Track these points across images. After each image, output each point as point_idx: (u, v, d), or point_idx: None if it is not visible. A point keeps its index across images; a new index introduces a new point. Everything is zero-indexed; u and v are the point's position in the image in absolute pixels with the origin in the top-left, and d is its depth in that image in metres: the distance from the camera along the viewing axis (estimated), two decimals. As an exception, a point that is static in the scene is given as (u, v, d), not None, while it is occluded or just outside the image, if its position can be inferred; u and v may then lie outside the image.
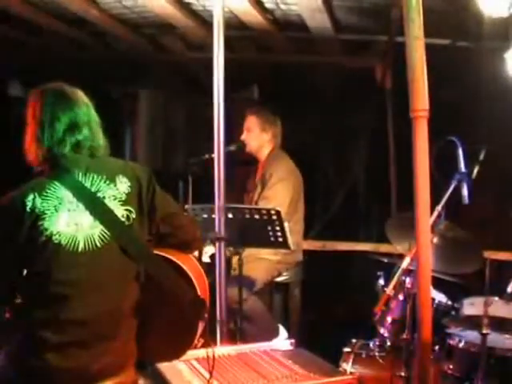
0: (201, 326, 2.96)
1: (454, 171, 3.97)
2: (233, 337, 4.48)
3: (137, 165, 3.13)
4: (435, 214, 3.88)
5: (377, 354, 4.35)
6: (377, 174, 6.94)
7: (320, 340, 4.38)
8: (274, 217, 4.46)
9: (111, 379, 2.83)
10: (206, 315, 2.94)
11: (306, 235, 6.38)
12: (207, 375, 3.00)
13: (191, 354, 3.31)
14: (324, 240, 6.69)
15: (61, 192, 2.84)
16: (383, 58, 6.42)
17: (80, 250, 2.80)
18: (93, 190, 2.88)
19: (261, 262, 5.31)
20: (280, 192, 5.35)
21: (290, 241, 4.55)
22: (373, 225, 7.07)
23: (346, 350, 4.47)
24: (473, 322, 3.97)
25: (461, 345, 4.14)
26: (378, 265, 4.83)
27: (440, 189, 3.93)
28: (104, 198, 2.89)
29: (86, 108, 3.00)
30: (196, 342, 3.01)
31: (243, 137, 5.57)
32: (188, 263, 3.05)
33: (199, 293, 2.96)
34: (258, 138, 5.58)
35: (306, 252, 5.81)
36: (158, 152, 7.16)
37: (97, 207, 2.87)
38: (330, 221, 7.18)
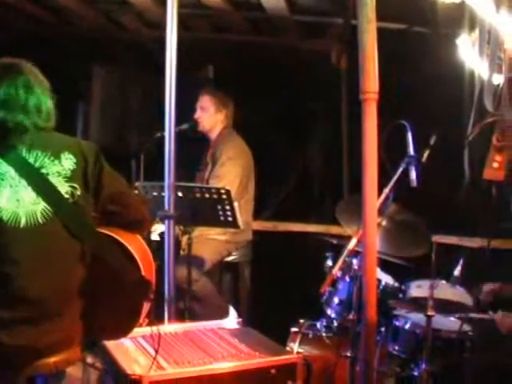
0: (146, 307, 2.94)
1: (404, 154, 4.00)
2: (182, 316, 4.49)
3: (84, 141, 3.07)
4: (383, 196, 3.91)
5: (324, 334, 4.40)
6: (331, 155, 6.96)
7: (269, 320, 4.40)
8: (224, 196, 4.46)
9: (58, 355, 2.81)
10: (152, 296, 2.93)
11: (259, 216, 6.41)
12: (153, 353, 3.01)
13: (138, 331, 3.32)
14: (276, 221, 6.71)
15: (3, 168, 2.80)
16: (339, 41, 6.43)
17: (22, 226, 2.76)
18: (36, 165, 2.84)
19: (210, 242, 5.32)
20: (230, 171, 5.37)
21: (240, 220, 4.57)
22: (326, 206, 7.09)
23: (294, 330, 4.50)
24: (418, 304, 4.02)
25: (406, 326, 4.19)
26: (328, 246, 4.86)
27: (389, 172, 3.96)
28: (48, 174, 2.84)
29: (32, 83, 2.95)
30: (141, 321, 3.00)
31: (197, 115, 5.56)
32: (134, 243, 3.01)
33: (144, 273, 2.94)
34: (212, 117, 5.58)
35: (257, 232, 5.84)
36: (112, 130, 7.11)
37: (39, 183, 2.83)
38: (284, 202, 7.20)
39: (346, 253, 3.92)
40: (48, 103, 2.99)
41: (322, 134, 7.18)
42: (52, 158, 2.87)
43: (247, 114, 6.13)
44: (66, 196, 2.85)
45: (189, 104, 5.55)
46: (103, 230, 2.98)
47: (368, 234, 2.92)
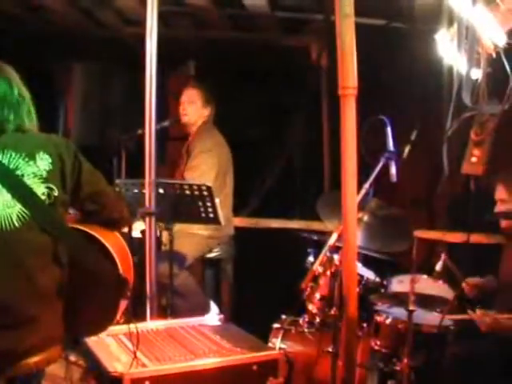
0: (123, 304, 2.93)
1: (383, 150, 4.02)
2: (163, 312, 4.49)
3: (60, 139, 3.01)
4: (363, 191, 3.92)
5: (306, 330, 4.41)
6: (313, 151, 6.97)
7: (251, 316, 4.40)
8: (205, 192, 4.46)
9: (39, 356, 2.80)
10: (129, 293, 2.92)
11: (241, 213, 6.42)
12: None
13: (120, 329, 3.32)
14: (258, 217, 6.72)
15: None
16: (319, 37, 6.44)
17: None
18: (11, 167, 2.79)
19: (191, 238, 5.32)
20: (205, 161, 5.38)
21: (221, 216, 4.57)
22: (307, 202, 7.11)
23: (276, 326, 4.51)
24: (399, 299, 4.03)
25: (388, 321, 4.20)
26: (309, 242, 4.87)
27: (369, 167, 3.98)
28: (23, 175, 2.79)
29: (7, 83, 2.92)
30: (119, 318, 3.00)
31: (182, 108, 5.56)
32: (112, 241, 3.00)
33: (122, 271, 2.92)
34: (199, 111, 5.60)
35: (239, 229, 5.84)
36: (93, 127, 7.08)
37: (14, 185, 2.78)
38: (266, 198, 7.20)
39: (326, 248, 3.94)
40: (26, 103, 2.98)
41: (303, 130, 7.19)
42: (26, 159, 2.82)
43: (228, 109, 6.13)
44: (43, 197, 2.81)
45: (170, 100, 5.57)
46: (81, 227, 2.97)
47: (348, 228, 2.93)
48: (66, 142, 3.01)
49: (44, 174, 2.83)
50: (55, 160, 2.88)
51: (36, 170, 2.82)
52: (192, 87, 5.66)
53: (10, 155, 2.81)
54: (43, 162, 2.85)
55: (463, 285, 4.25)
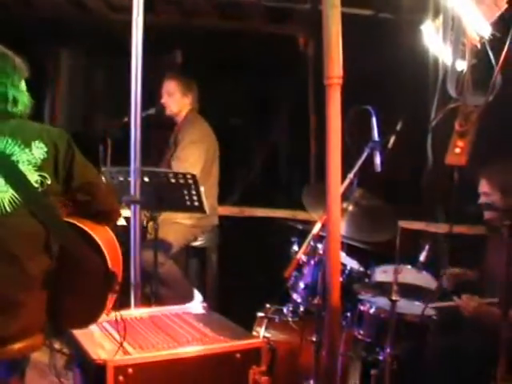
0: (111, 298, 2.94)
1: (368, 140, 4.03)
2: (148, 301, 4.49)
3: (56, 129, 3.06)
4: (347, 181, 3.93)
5: (290, 319, 4.41)
6: (299, 140, 6.98)
7: (236, 305, 4.42)
8: (190, 181, 4.46)
9: (22, 342, 2.82)
10: (117, 288, 2.93)
11: (226, 201, 6.42)
12: (118, 338, 3.01)
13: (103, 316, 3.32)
14: (243, 206, 6.72)
15: None
16: (306, 26, 6.44)
17: None
18: (6, 153, 2.83)
19: (176, 226, 5.32)
20: (193, 153, 5.38)
21: (206, 205, 4.57)
22: (293, 192, 7.12)
23: (260, 314, 4.52)
24: (383, 289, 4.05)
25: (371, 311, 4.21)
26: (294, 231, 4.87)
27: (354, 157, 3.99)
28: (18, 162, 2.84)
29: (11, 66, 2.96)
30: (107, 312, 3.00)
31: (163, 100, 5.55)
32: (102, 235, 3.01)
33: (111, 265, 2.93)
34: (179, 102, 5.59)
35: (223, 217, 5.84)
36: (79, 114, 7.07)
37: (8, 170, 2.83)
38: (250, 187, 7.21)
39: (310, 237, 3.94)
40: (20, 89, 2.99)
41: (290, 119, 7.20)
42: (22, 147, 2.87)
43: (215, 98, 6.13)
44: (36, 185, 2.85)
45: (157, 89, 5.56)
46: (71, 220, 2.98)
47: (332, 218, 2.93)
48: (60, 132, 3.04)
49: (39, 162, 2.87)
50: (50, 149, 2.91)
51: (31, 158, 2.86)
52: (170, 78, 5.65)
53: (7, 141, 2.86)
54: (38, 151, 2.89)
55: (442, 276, 4.26)
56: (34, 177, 2.85)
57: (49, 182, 2.88)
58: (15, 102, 2.95)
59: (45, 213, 2.87)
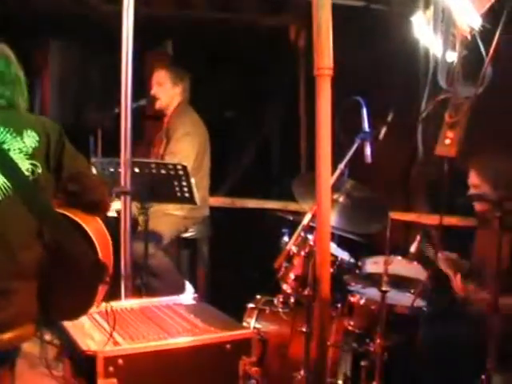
0: (102, 290, 2.94)
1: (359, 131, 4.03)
2: (138, 292, 4.49)
3: (48, 120, 3.08)
4: (337, 172, 3.93)
5: (280, 310, 4.41)
6: (290, 131, 6.97)
7: (227, 296, 4.42)
8: (181, 172, 4.46)
9: (12, 332, 2.82)
10: (108, 279, 2.93)
11: (217, 192, 6.42)
12: (109, 329, 3.01)
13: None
14: (234, 197, 6.72)
15: None
16: (298, 18, 6.43)
17: None
18: None
19: (167, 217, 5.33)
20: (186, 146, 5.37)
21: (197, 196, 4.57)
22: (285, 183, 7.12)
23: (251, 305, 4.53)
24: (373, 280, 4.07)
25: (361, 302, 4.23)
26: (285, 222, 4.88)
27: (344, 148, 3.99)
28: (9, 150, 2.85)
29: (5, 61, 2.99)
30: (97, 304, 3.00)
31: (153, 91, 5.54)
32: (92, 225, 3.00)
33: (101, 256, 2.93)
34: (170, 92, 5.56)
35: (214, 209, 5.84)
36: (70, 105, 7.04)
37: (0, 158, 2.83)
38: (242, 178, 7.21)
39: (301, 228, 3.94)
40: (16, 80, 3.00)
41: (281, 111, 7.19)
42: (14, 135, 2.88)
43: (206, 89, 6.11)
44: (27, 173, 2.86)
45: (148, 79, 5.55)
46: (62, 211, 2.97)
47: (322, 209, 2.92)
48: (53, 123, 3.06)
49: (30, 150, 2.88)
50: (42, 139, 2.93)
51: (22, 146, 2.87)
52: (160, 69, 5.64)
53: None
54: (30, 140, 2.90)
55: (438, 255, 4.25)
56: (25, 165, 2.86)
57: (40, 171, 2.89)
58: (8, 90, 2.97)
59: (35, 201, 2.88)
